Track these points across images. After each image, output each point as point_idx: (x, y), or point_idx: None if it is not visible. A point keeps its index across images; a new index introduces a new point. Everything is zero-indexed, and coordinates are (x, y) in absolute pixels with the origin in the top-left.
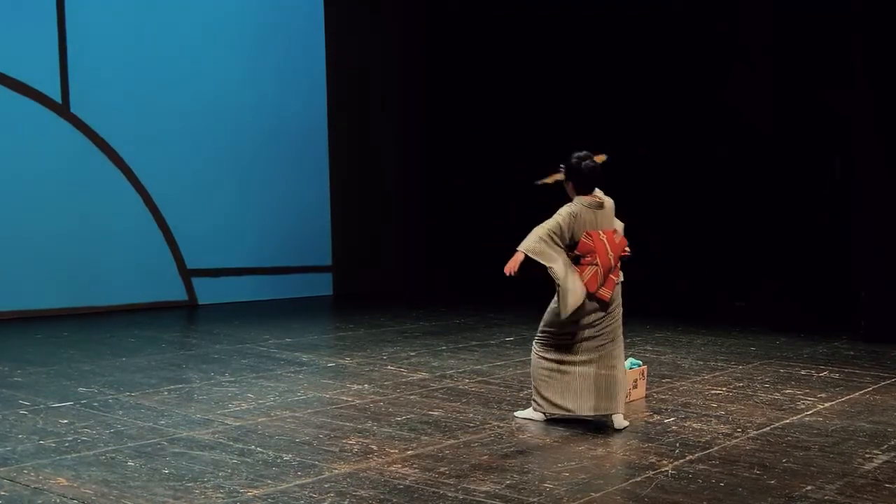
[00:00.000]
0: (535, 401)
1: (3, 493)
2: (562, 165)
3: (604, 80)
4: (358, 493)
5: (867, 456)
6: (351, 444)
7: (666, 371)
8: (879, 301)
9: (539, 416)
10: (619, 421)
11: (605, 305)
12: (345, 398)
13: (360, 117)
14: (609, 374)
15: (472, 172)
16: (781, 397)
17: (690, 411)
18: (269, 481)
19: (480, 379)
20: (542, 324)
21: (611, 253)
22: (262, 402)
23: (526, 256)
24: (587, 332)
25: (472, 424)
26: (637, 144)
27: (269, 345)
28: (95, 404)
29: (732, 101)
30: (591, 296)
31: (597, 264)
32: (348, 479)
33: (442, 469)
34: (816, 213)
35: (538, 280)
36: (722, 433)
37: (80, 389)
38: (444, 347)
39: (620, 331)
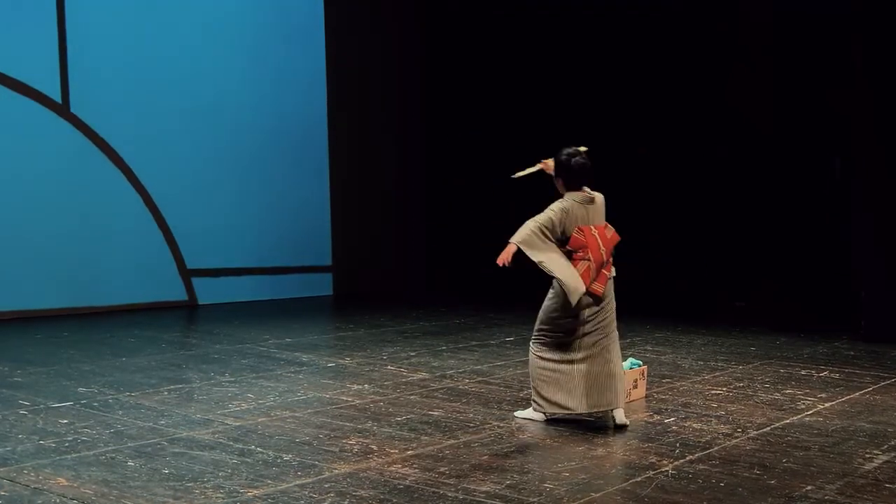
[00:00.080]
0: (534, 401)
1: (3, 493)
2: (542, 161)
3: (604, 80)
4: (358, 493)
5: (867, 456)
6: (351, 444)
7: (666, 371)
8: (879, 301)
9: (539, 416)
10: (621, 415)
11: (598, 300)
12: (345, 398)
13: (360, 117)
14: (607, 370)
15: (472, 172)
16: (781, 397)
17: (690, 411)
18: (269, 481)
19: (480, 379)
20: (537, 322)
21: (602, 248)
22: (262, 402)
23: (518, 249)
24: (583, 329)
25: (472, 424)
26: (637, 144)
27: (269, 345)
28: (95, 404)
29: (732, 101)
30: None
31: (589, 259)
32: (348, 479)
33: (442, 469)
34: (816, 213)
35: (538, 280)
36: (722, 433)
37: (80, 389)
38: (444, 347)
39: (615, 325)
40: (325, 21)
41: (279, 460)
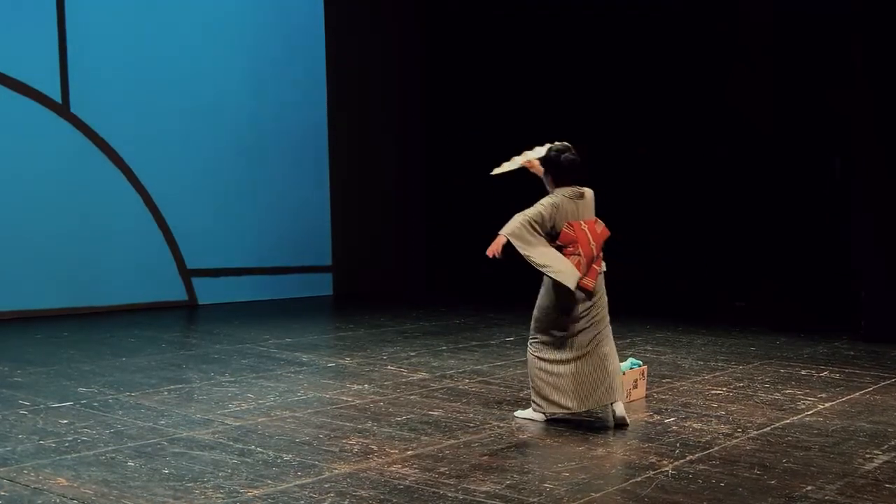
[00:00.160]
0: (534, 401)
1: (3, 493)
2: (526, 158)
3: (604, 80)
4: (358, 494)
5: (867, 456)
6: (351, 445)
7: (666, 371)
8: (879, 301)
9: (539, 416)
10: (620, 408)
11: (590, 295)
12: (345, 398)
13: (360, 117)
14: (603, 366)
15: (472, 172)
16: (782, 397)
17: (691, 411)
18: (269, 481)
19: (480, 379)
20: (532, 322)
21: (592, 243)
22: (262, 402)
23: (509, 243)
24: (577, 326)
25: (472, 424)
26: (637, 144)
27: (269, 345)
28: (95, 404)
29: (732, 101)
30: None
31: (579, 254)
32: (348, 480)
33: (442, 469)
34: (816, 213)
35: (538, 280)
36: (722, 433)
37: (80, 389)
38: (444, 347)
39: (608, 320)
40: (325, 21)
41: (279, 460)
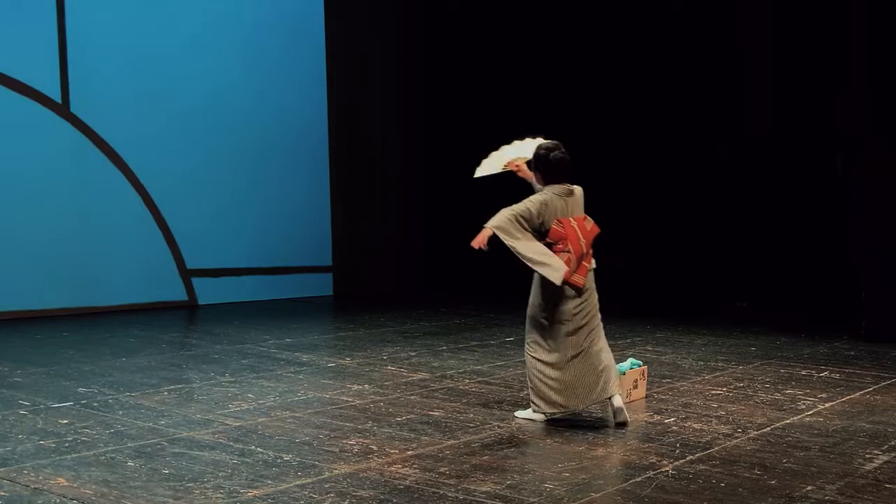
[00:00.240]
0: (533, 402)
1: (3, 493)
2: (511, 161)
3: (604, 79)
4: (358, 494)
5: (868, 456)
6: (351, 445)
7: (666, 371)
8: (879, 301)
9: (539, 416)
10: (619, 401)
11: (580, 292)
12: (345, 398)
13: (360, 117)
14: (597, 363)
15: (472, 172)
16: (782, 397)
17: (691, 411)
18: (269, 481)
19: (480, 379)
20: (527, 322)
21: (582, 239)
22: (262, 403)
23: (494, 236)
24: (570, 325)
25: (472, 425)
26: (637, 144)
27: (269, 345)
28: (95, 404)
29: (732, 101)
30: (564, 283)
31: (569, 251)
32: (348, 480)
33: (442, 469)
34: (816, 213)
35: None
36: (722, 433)
37: (80, 389)
38: (444, 347)
39: (599, 316)
40: (325, 21)
41: (279, 460)
